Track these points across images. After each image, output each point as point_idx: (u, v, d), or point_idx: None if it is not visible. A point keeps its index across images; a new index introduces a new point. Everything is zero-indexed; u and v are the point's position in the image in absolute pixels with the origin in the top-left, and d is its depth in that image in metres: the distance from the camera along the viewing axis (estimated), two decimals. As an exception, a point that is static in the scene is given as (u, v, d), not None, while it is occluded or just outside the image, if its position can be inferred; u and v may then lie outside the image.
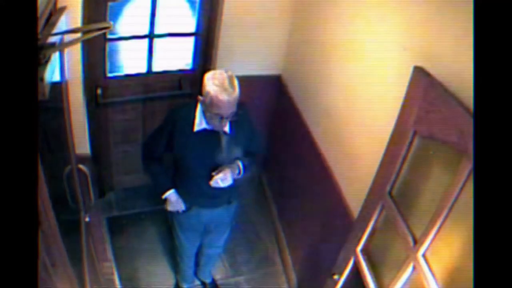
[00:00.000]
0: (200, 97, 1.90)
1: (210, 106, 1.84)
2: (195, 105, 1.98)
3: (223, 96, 1.79)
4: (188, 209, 2.26)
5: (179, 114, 2.03)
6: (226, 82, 1.81)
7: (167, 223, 3.19)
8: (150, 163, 2.18)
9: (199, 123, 1.98)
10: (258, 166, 2.25)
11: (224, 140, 2.01)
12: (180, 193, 2.23)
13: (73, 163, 1.95)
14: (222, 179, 2.00)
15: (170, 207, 2.22)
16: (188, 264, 2.70)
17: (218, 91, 1.79)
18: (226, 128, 2.00)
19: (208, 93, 1.82)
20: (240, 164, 2.10)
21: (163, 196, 2.17)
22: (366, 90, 1.98)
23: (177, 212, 2.29)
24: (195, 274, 2.88)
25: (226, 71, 1.86)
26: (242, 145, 2.10)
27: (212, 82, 1.81)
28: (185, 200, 2.24)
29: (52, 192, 1.23)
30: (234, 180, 2.08)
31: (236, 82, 1.84)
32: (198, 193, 2.15)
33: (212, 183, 2.00)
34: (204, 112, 1.94)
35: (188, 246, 2.53)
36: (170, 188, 2.17)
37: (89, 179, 2.09)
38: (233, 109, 1.86)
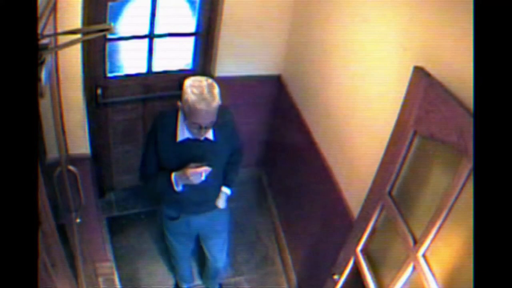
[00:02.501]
0: (179, 103, 1.84)
1: (188, 115, 1.79)
2: (177, 113, 1.92)
3: (201, 105, 1.73)
4: (176, 217, 2.24)
5: (160, 124, 1.97)
6: (205, 91, 1.74)
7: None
8: (150, 181, 2.07)
9: (182, 133, 1.92)
10: (240, 162, 2.29)
11: (208, 148, 1.96)
12: (167, 201, 2.20)
13: (63, 165, 1.95)
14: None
15: (193, 179, 1.90)
16: (183, 266, 2.69)
17: (196, 100, 1.72)
18: (210, 135, 1.95)
19: (186, 100, 1.76)
20: (227, 190, 2.21)
21: (174, 184, 1.97)
22: (366, 90, 1.98)
23: (168, 219, 2.26)
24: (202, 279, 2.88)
25: (206, 79, 1.80)
26: (226, 151, 2.07)
27: (191, 90, 1.74)
28: (172, 209, 2.22)
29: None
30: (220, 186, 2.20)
31: (216, 91, 1.77)
32: (185, 201, 2.12)
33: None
34: (184, 118, 1.88)
35: (181, 249, 2.50)
36: (170, 176, 1.98)
37: (79, 180, 2.08)
38: (212, 119, 1.80)
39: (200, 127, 1.83)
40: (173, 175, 1.95)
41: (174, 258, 2.61)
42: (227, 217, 2.40)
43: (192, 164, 1.90)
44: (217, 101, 1.77)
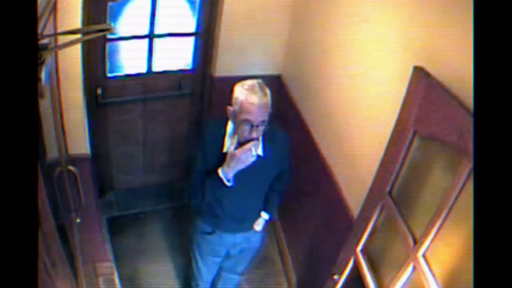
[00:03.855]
0: (229, 107, 1.79)
1: (239, 113, 1.74)
2: (225, 123, 1.88)
3: (253, 98, 1.70)
4: (211, 232, 2.17)
5: (208, 133, 1.93)
6: (257, 87, 1.73)
7: (167, 222, 3.20)
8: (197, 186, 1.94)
9: (230, 144, 1.87)
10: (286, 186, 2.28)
11: (256, 162, 1.84)
12: (204, 215, 2.13)
13: (63, 165, 1.95)
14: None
15: (244, 158, 1.80)
16: (206, 279, 2.52)
17: (247, 94, 1.71)
18: (259, 151, 1.88)
19: (237, 98, 1.74)
20: (266, 216, 2.21)
21: (224, 179, 1.85)
22: (366, 90, 1.98)
23: (202, 234, 2.19)
24: None
25: (257, 80, 1.78)
26: (275, 169, 2.02)
27: (242, 88, 1.74)
28: (209, 223, 2.15)
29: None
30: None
31: (267, 91, 1.75)
32: (224, 216, 2.06)
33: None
34: (234, 126, 1.83)
35: (205, 272, 2.42)
36: (216, 172, 1.87)
37: (79, 180, 2.08)
38: (263, 117, 1.75)
39: (252, 126, 1.75)
40: (219, 170, 1.84)
41: (195, 280, 2.47)
42: (260, 240, 2.36)
43: (232, 147, 1.82)
44: (268, 99, 1.74)
